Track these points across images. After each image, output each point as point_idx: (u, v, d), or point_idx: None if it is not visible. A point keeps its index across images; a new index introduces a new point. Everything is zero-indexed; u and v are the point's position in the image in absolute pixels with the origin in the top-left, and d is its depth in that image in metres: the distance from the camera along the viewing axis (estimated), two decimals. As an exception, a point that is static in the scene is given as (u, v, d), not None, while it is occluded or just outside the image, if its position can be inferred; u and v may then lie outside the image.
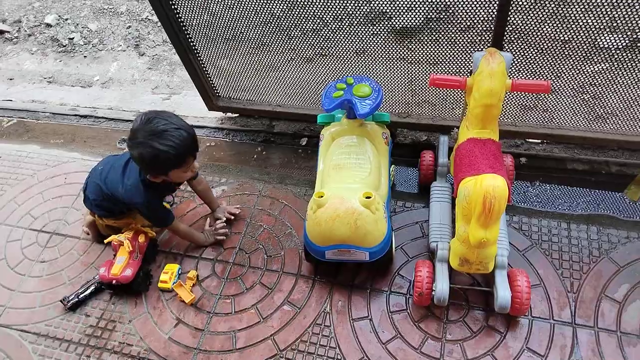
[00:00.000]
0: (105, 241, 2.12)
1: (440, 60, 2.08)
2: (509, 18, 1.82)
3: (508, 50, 1.94)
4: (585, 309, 1.80)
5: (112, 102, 3.07)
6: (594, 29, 1.80)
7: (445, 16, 1.96)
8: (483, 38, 1.94)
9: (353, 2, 1.95)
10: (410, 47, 2.09)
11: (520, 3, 1.79)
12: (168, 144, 1.71)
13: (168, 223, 2.04)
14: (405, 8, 1.92)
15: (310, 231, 1.84)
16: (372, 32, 2.08)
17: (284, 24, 2.13)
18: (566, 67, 1.98)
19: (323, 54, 2.22)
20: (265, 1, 2.03)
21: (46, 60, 3.61)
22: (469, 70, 2.05)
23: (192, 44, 2.31)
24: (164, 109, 2.87)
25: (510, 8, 1.78)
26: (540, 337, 1.76)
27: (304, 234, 1.90)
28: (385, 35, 2.10)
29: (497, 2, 1.79)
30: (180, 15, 2.18)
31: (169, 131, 1.72)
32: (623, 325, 1.75)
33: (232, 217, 2.24)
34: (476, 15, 1.87)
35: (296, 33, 2.17)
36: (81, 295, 2.06)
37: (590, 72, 1.99)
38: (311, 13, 2.05)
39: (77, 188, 2.51)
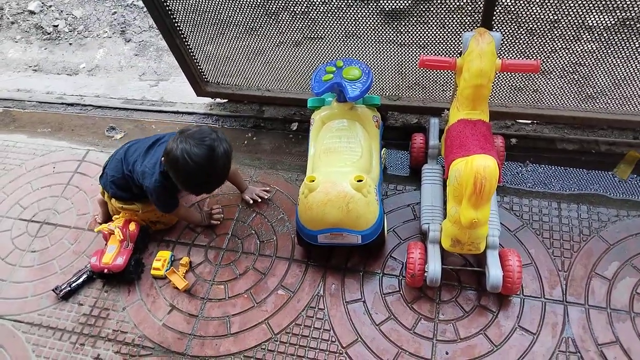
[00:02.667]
0: (96, 230, 2.10)
1: (430, 41, 2.06)
2: (498, -2, 1.81)
3: (497, 30, 1.93)
4: (575, 287, 1.82)
5: (99, 90, 3.02)
6: (583, 9, 1.80)
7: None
8: (473, 18, 1.93)
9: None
10: (399, 28, 2.07)
11: (510, -18, 1.79)
12: (191, 170, 1.74)
13: (171, 210, 2.03)
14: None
15: (302, 215, 1.84)
16: (361, 13, 2.06)
17: (272, 7, 2.11)
18: (556, 47, 1.98)
19: (312, 37, 2.20)
20: (252, -16, 2.00)
21: (31, 48, 3.55)
22: (459, 52, 2.04)
23: (178, 28, 2.27)
24: (151, 96, 2.87)
25: (500, -13, 1.78)
26: (532, 316, 1.78)
27: (296, 219, 1.90)
28: (374, 16, 2.08)
29: (487, -18, 1.78)
30: (166, -1, 2.14)
31: (207, 160, 1.75)
32: (613, 302, 1.78)
33: (259, 200, 2.22)
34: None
35: (285, 16, 2.15)
36: (73, 285, 2.05)
37: (579, 52, 1.99)
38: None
39: (66, 177, 2.49)
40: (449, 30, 2.00)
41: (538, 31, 1.95)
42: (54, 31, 3.61)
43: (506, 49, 2.02)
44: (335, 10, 2.06)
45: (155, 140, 1.99)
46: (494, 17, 1.88)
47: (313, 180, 1.76)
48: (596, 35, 1.92)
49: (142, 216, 2.11)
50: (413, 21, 2.04)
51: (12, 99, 3.03)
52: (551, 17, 1.89)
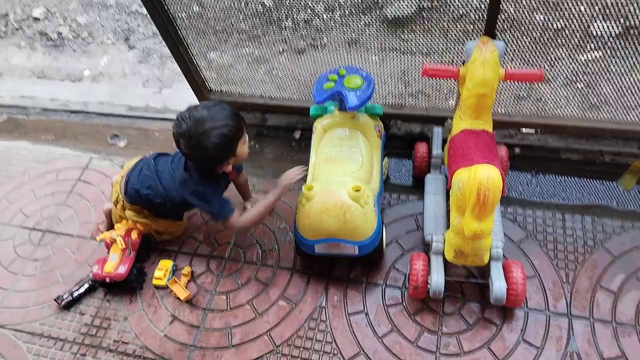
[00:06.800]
0: (98, 238, 2.10)
1: (433, 50, 2.05)
2: (501, 6, 1.80)
3: (501, 39, 1.92)
4: (580, 299, 1.80)
5: (103, 97, 3.03)
6: (586, 17, 1.78)
7: (438, 5, 1.94)
8: (476, 27, 1.92)
9: (344, -8, 1.93)
10: (402, 37, 2.07)
11: (513, -9, 1.77)
12: (222, 120, 1.66)
13: (228, 213, 1.85)
14: (397, -2, 1.90)
15: (300, 224, 1.83)
16: (364, 22, 2.05)
17: (275, 15, 2.10)
18: (559, 55, 1.97)
19: (315, 45, 2.19)
20: (255, -7, 2.00)
21: (35, 55, 3.57)
22: (462, 60, 2.03)
23: (181, 36, 2.27)
24: (155, 103, 2.87)
25: (503, -4, 1.76)
26: (536, 329, 1.76)
27: (294, 228, 1.89)
28: (377, 25, 2.07)
29: (490, -9, 1.77)
30: (169, 6, 2.14)
31: (211, 113, 1.67)
32: (618, 316, 1.75)
33: None
34: (469, 4, 1.85)
35: (288, 24, 2.14)
36: (75, 294, 2.05)
37: (583, 61, 1.97)
38: (302, 4, 2.02)
39: (70, 185, 2.49)
40: (452, 38, 1.99)
41: (542, 40, 1.94)
42: (58, 38, 3.63)
43: (509, 57, 2.01)
44: (338, 19, 2.06)
45: (174, 154, 1.93)
46: (498, 26, 1.87)
47: (311, 189, 1.75)
48: (600, 43, 1.91)
49: (152, 226, 2.10)
50: (416, 29, 2.03)
51: (16, 106, 3.04)
52: (555, 25, 1.88)
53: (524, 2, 1.80)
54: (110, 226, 2.21)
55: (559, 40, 1.92)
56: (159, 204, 1.95)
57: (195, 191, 1.84)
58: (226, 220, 1.86)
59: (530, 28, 1.90)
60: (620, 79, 1.98)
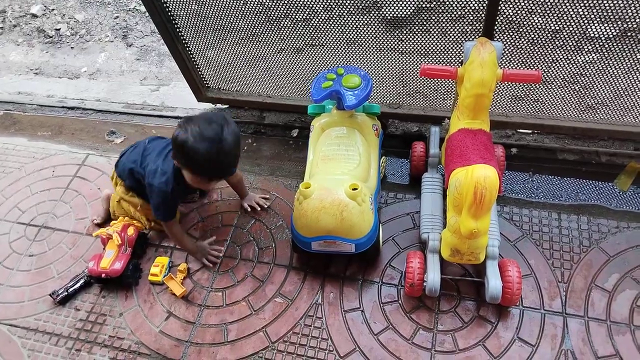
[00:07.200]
0: (94, 234, 2.10)
1: (431, 50, 2.06)
2: (499, 7, 1.81)
3: (499, 40, 1.93)
4: (575, 298, 1.81)
5: (100, 94, 3.03)
6: (584, 19, 1.80)
7: (436, 5, 1.95)
8: (474, 28, 1.93)
9: (343, -9, 1.93)
10: (401, 37, 2.07)
11: (512, -7, 1.78)
12: (202, 149, 1.68)
13: (165, 219, 1.97)
14: (396, -3, 1.90)
15: (297, 222, 1.83)
16: (362, 21, 2.06)
17: (273, 13, 2.11)
18: (557, 57, 1.98)
19: (313, 44, 2.20)
20: (254, -10, 2.01)
21: (32, 52, 3.56)
22: (460, 61, 2.04)
23: (180, 33, 2.28)
24: (152, 101, 2.87)
25: (502, -3, 1.78)
26: (531, 327, 1.77)
27: (291, 225, 1.89)
28: (376, 25, 2.08)
29: (488, -8, 1.78)
30: (167, 4, 2.14)
31: (218, 137, 1.69)
32: (613, 315, 1.76)
33: (258, 209, 2.21)
34: (467, 5, 1.86)
35: (286, 23, 2.15)
36: (70, 289, 2.04)
37: (580, 62, 1.99)
38: (301, 2, 2.03)
39: (66, 181, 2.49)
40: (451, 39, 2.00)
41: (539, 41, 1.95)
42: (56, 35, 3.62)
43: (507, 58, 2.02)
44: (337, 18, 2.06)
45: (168, 143, 1.93)
46: (496, 27, 1.88)
47: (308, 187, 1.76)
48: (597, 45, 1.92)
49: (141, 212, 2.11)
50: (414, 29, 2.04)
51: (13, 102, 3.03)
52: (553, 27, 1.89)
53: (522, 3, 1.81)
54: (107, 214, 2.25)
55: (557, 42, 1.94)
56: (139, 182, 2.00)
57: (157, 189, 1.88)
58: (161, 221, 1.99)
59: (528, 29, 1.92)
60: (617, 80, 1.99)
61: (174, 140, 1.75)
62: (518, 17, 1.87)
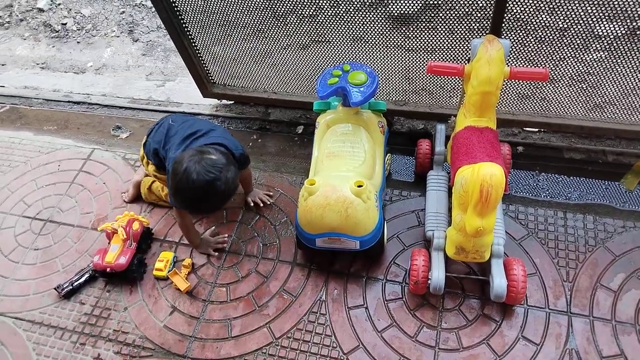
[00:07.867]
0: (99, 228, 2.10)
1: (438, 46, 2.05)
2: (507, 5, 1.80)
3: (507, 37, 1.92)
4: (580, 298, 1.81)
5: (106, 89, 3.03)
6: (592, 17, 1.78)
7: (444, 3, 1.94)
8: (481, 25, 1.92)
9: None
10: (407, 34, 2.07)
11: (520, -10, 1.77)
12: (191, 188, 1.68)
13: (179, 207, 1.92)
14: (403, -6, 1.90)
15: (301, 219, 1.83)
16: (369, 18, 2.05)
17: (279, 9, 2.10)
18: (564, 55, 1.97)
19: (319, 40, 2.19)
20: (261, -14, 2.00)
21: (39, 46, 3.57)
22: (467, 58, 2.03)
23: (186, 29, 2.28)
24: (158, 96, 2.87)
25: (509, -5, 1.76)
26: (536, 326, 1.76)
27: (295, 222, 1.89)
28: (383, 21, 2.07)
29: (496, -11, 1.77)
30: (174, 0, 2.14)
31: (204, 174, 1.67)
32: (618, 315, 1.76)
33: (261, 205, 2.21)
34: (475, 2, 1.85)
35: (292, 19, 2.14)
36: (75, 283, 2.05)
37: (588, 61, 1.97)
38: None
39: (71, 175, 2.49)
40: (458, 36, 2.00)
41: (547, 39, 1.94)
42: (62, 29, 3.63)
43: (515, 56, 2.01)
44: (343, 14, 2.06)
45: (192, 132, 1.90)
46: (503, 24, 1.87)
47: (313, 184, 1.76)
48: (605, 44, 1.91)
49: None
50: (421, 27, 2.03)
51: (19, 96, 3.04)
52: (560, 25, 1.88)
53: (529, 1, 1.80)
54: (135, 197, 2.31)
55: (564, 40, 1.92)
56: (163, 161, 1.98)
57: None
58: (175, 208, 1.95)
59: (536, 27, 1.90)
60: (625, 79, 1.98)
61: (175, 160, 1.75)
62: (526, 14, 1.86)
